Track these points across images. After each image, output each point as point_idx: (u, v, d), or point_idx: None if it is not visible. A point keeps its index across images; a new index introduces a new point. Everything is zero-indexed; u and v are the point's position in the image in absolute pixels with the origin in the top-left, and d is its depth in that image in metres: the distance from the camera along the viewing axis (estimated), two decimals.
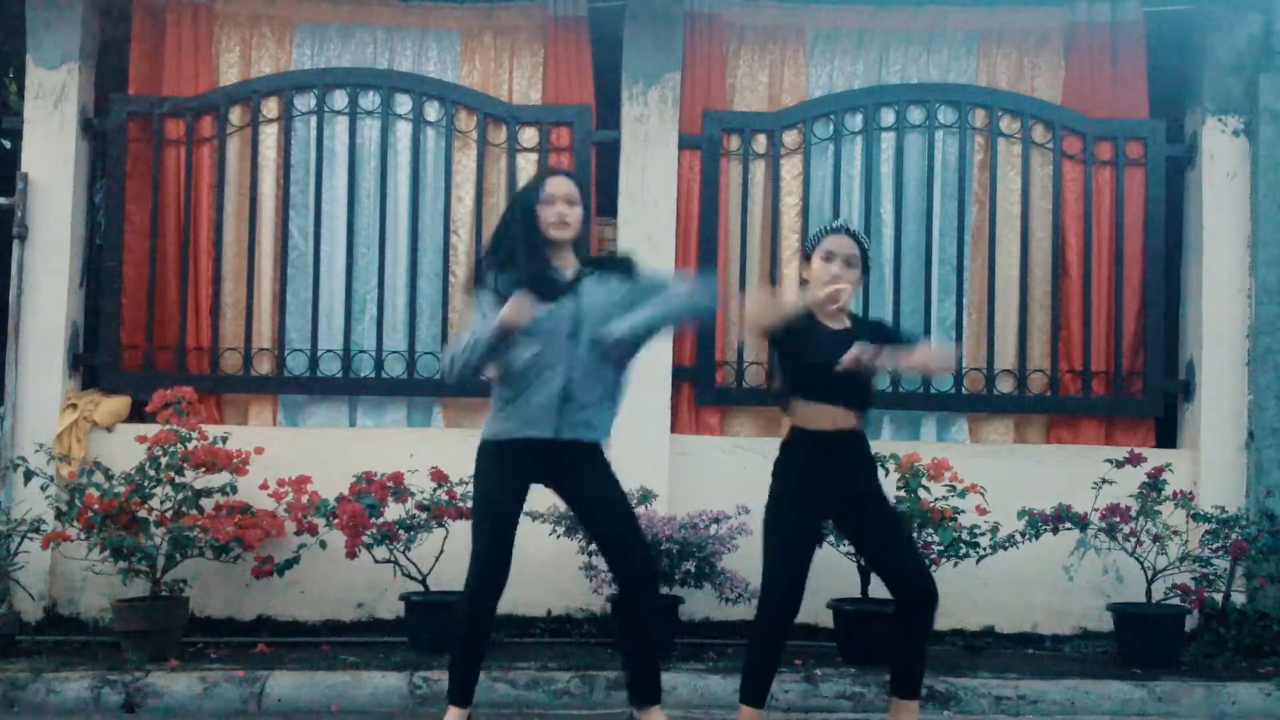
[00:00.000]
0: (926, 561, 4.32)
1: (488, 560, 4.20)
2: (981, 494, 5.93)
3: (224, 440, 6.00)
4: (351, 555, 5.81)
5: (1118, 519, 5.90)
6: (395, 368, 6.60)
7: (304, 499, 5.92)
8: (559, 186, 4.31)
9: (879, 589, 5.82)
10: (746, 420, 6.73)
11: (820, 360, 4.20)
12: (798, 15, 6.86)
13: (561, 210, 4.27)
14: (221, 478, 5.96)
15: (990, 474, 6.11)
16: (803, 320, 4.30)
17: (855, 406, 4.26)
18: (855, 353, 4.10)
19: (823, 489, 4.23)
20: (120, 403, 6.47)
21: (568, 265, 4.32)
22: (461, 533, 5.86)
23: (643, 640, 4.35)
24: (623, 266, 4.41)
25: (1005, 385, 6.67)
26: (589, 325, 4.21)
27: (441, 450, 6.23)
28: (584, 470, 4.30)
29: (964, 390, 6.66)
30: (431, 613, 5.88)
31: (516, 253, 4.28)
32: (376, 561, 5.96)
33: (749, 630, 4.33)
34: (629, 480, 6.09)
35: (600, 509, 4.32)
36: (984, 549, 5.87)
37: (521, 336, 4.17)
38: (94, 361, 6.58)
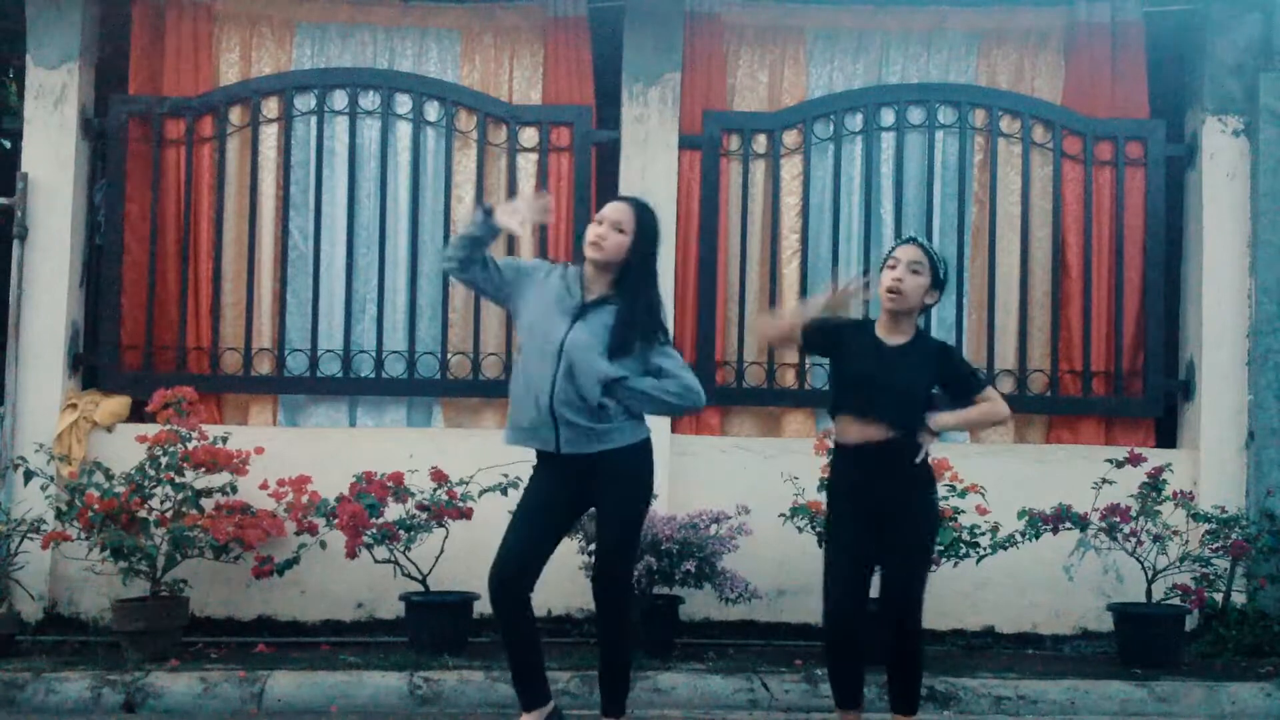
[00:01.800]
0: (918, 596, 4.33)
1: (497, 561, 4.20)
2: (981, 494, 5.93)
3: (224, 440, 6.00)
4: (351, 555, 5.80)
5: (1118, 519, 5.90)
6: (395, 368, 6.60)
7: (304, 499, 5.92)
8: (610, 209, 4.30)
9: (878, 589, 5.85)
10: (746, 420, 6.73)
11: (856, 372, 4.24)
12: (798, 15, 6.86)
13: (601, 232, 4.24)
14: (221, 478, 5.96)
15: (990, 474, 6.11)
16: (861, 331, 4.34)
17: (891, 421, 4.20)
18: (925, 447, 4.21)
19: (862, 501, 4.25)
20: (120, 403, 6.47)
21: (599, 286, 4.28)
22: (461, 533, 5.90)
23: (611, 656, 4.36)
24: (638, 317, 4.28)
25: (1005, 385, 6.65)
26: (570, 353, 4.16)
27: (441, 450, 6.23)
28: (600, 481, 4.27)
29: None
30: (431, 613, 5.88)
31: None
32: (376, 561, 5.95)
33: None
34: None
35: (597, 524, 4.37)
36: (984, 549, 5.87)
37: (521, 332, 4.29)
38: (94, 361, 6.58)
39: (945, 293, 6.59)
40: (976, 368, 4.42)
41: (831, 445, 4.47)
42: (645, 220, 4.31)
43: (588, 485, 4.29)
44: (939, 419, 4.26)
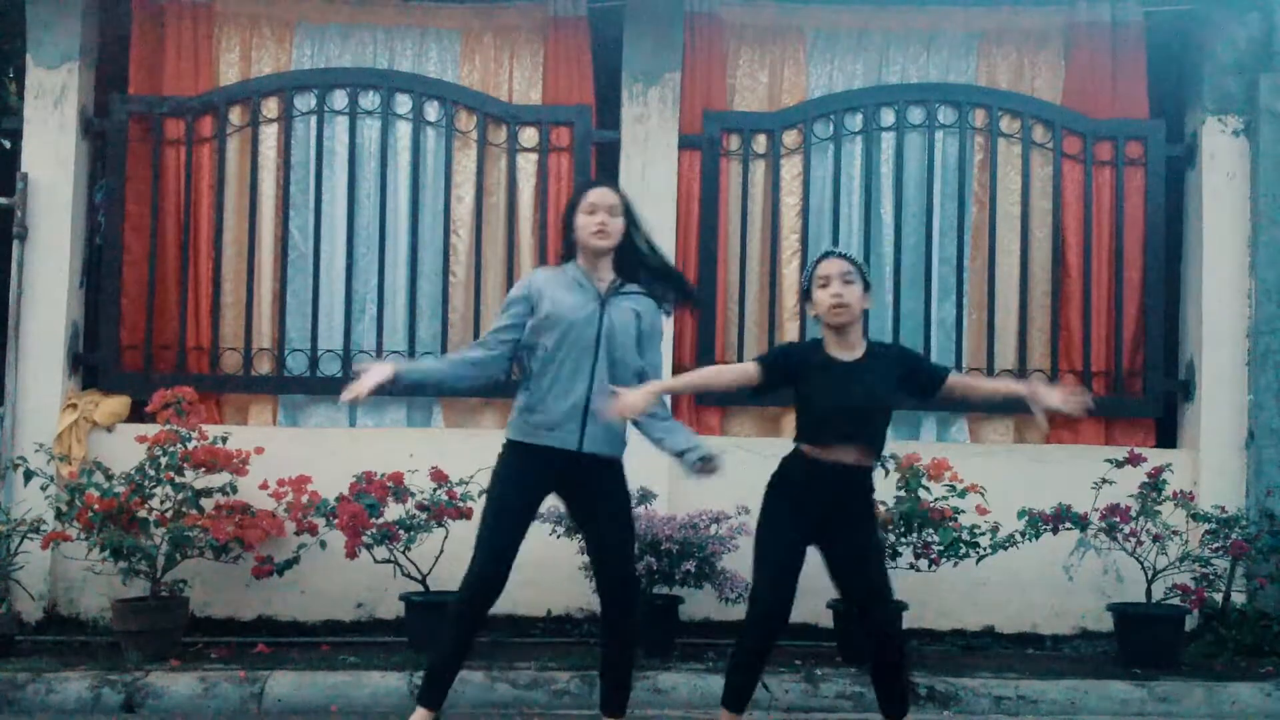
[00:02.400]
0: (894, 604, 4.37)
1: (489, 563, 4.19)
2: (981, 494, 5.93)
3: (224, 440, 6.00)
4: (351, 555, 5.80)
5: (1118, 519, 5.90)
6: None
7: (304, 499, 5.92)
8: (602, 196, 4.31)
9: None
10: (746, 420, 6.73)
11: (822, 404, 4.13)
12: (798, 15, 6.86)
13: (603, 219, 4.26)
14: (221, 478, 5.96)
15: (990, 474, 6.11)
16: (814, 355, 4.21)
17: (865, 446, 4.17)
18: None
19: (813, 513, 4.18)
20: (120, 403, 6.47)
21: (606, 273, 4.33)
22: (461, 533, 5.87)
23: (619, 656, 4.38)
24: (658, 294, 4.42)
25: None
26: (608, 343, 4.23)
27: (441, 450, 6.23)
28: (598, 485, 4.31)
29: None
30: (431, 613, 5.87)
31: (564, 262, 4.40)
32: (376, 561, 5.95)
33: (737, 639, 4.32)
34: (629, 480, 6.14)
35: (601, 529, 4.34)
36: (984, 549, 5.87)
37: (546, 333, 4.23)
38: (94, 361, 6.58)
39: (945, 293, 6.73)
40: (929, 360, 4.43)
41: (793, 452, 4.31)
42: (627, 199, 4.40)
43: (564, 485, 4.31)
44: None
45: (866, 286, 4.25)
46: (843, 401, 4.12)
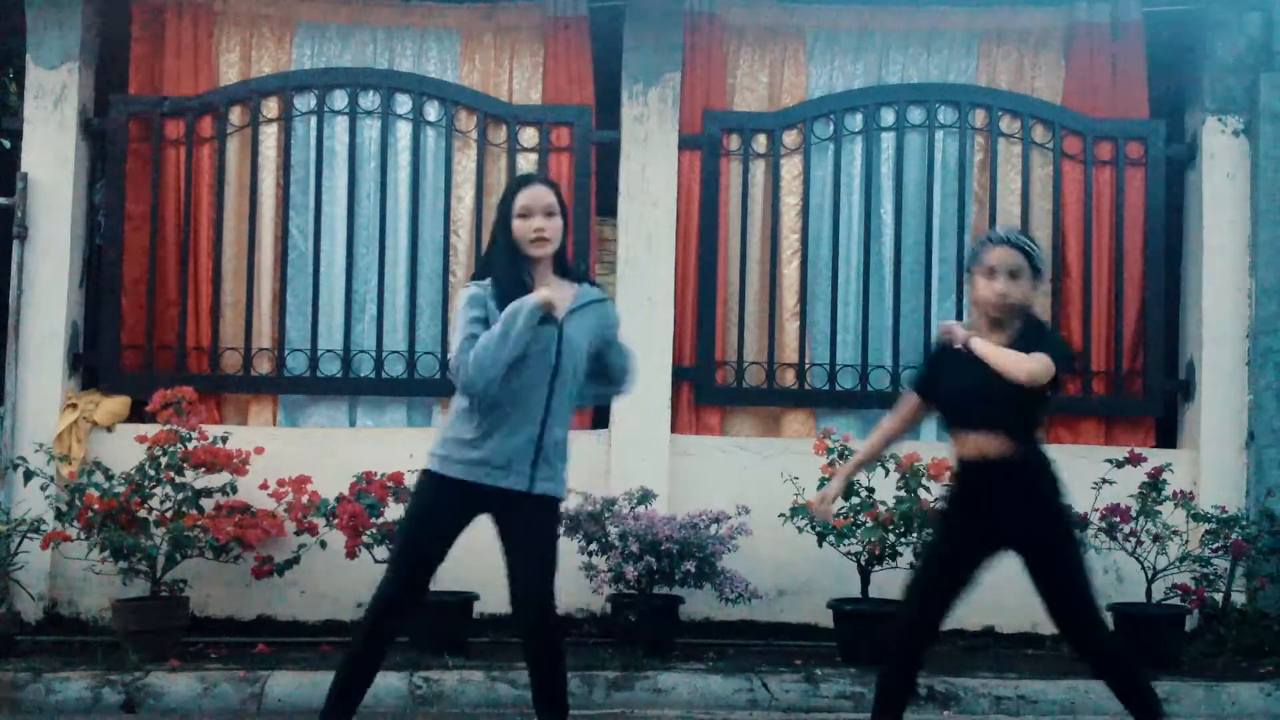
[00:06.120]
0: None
1: (407, 583, 3.83)
2: None
3: (224, 440, 6.00)
4: (351, 555, 5.81)
5: (1118, 519, 5.90)
6: (395, 368, 6.60)
7: (304, 499, 5.92)
8: (535, 198, 3.80)
9: (879, 589, 5.85)
10: (746, 420, 6.73)
11: (954, 384, 3.87)
12: (798, 15, 6.87)
13: (539, 225, 3.78)
14: (221, 478, 5.96)
15: None
16: (951, 345, 3.87)
17: (1001, 430, 3.83)
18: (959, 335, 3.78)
19: (975, 521, 3.92)
20: (120, 403, 6.47)
21: (549, 281, 3.84)
22: (461, 533, 5.88)
23: (547, 657, 3.85)
24: (599, 302, 3.97)
25: None
26: (569, 362, 3.78)
27: None
28: (534, 520, 3.83)
29: None
30: (431, 613, 5.86)
31: (497, 270, 3.84)
32: (376, 561, 5.94)
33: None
34: (629, 480, 6.15)
35: (523, 553, 3.84)
36: None
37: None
38: (94, 361, 6.58)
39: (946, 292, 6.71)
40: (1059, 345, 3.90)
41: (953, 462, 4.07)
42: (558, 191, 3.91)
43: (489, 513, 3.87)
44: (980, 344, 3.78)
45: (1037, 273, 3.86)
46: (957, 385, 3.83)
